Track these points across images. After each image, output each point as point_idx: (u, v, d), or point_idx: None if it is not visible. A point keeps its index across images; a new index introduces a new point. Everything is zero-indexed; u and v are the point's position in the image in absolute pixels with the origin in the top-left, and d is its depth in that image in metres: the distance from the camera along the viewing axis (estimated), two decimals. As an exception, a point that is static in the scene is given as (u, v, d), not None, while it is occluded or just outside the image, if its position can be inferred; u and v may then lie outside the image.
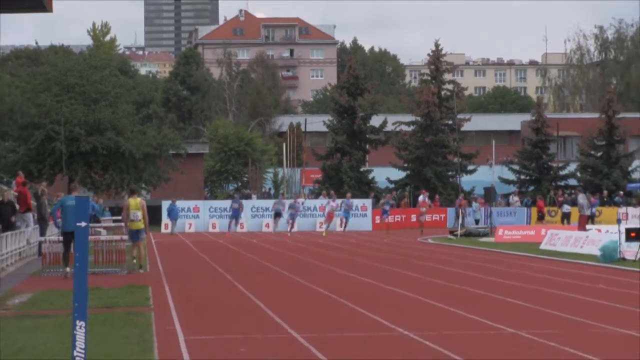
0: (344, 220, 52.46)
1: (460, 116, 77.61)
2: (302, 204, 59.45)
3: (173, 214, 55.90)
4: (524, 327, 17.59)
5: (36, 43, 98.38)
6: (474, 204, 61.97)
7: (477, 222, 56.20)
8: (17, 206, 35.46)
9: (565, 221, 49.88)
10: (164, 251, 41.74)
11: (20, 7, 33.12)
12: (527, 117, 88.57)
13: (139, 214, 30.85)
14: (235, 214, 53.16)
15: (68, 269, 27.56)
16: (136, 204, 31.39)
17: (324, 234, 50.55)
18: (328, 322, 18.56)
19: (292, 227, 52.21)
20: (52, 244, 29.98)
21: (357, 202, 62.26)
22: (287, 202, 55.65)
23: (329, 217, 52.55)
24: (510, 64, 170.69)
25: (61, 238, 29.36)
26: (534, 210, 63.81)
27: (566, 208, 56.00)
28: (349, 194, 57.92)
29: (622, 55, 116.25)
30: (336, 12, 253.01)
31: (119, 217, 42.10)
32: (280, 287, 25.61)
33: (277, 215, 54.44)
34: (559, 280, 27.03)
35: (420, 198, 62.64)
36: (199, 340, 16.38)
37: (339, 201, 56.44)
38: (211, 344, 16.07)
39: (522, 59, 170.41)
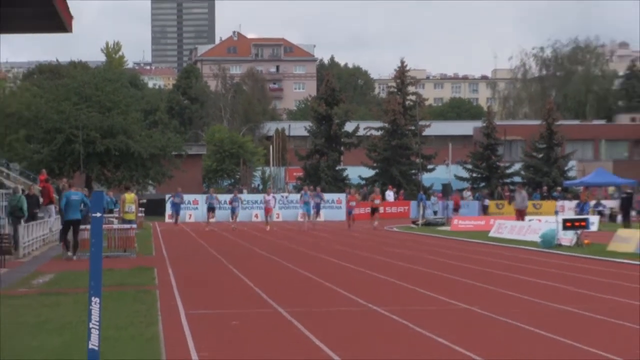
0: (314, 211, 52.70)
1: (421, 123, 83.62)
2: (286, 197, 63.44)
3: (177, 207, 57.44)
4: (476, 303, 18.05)
5: (57, 60, 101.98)
6: (433, 198, 66.20)
7: (435, 213, 60.02)
8: (41, 199, 37.55)
9: (520, 216, 52.07)
10: (168, 238, 43.35)
11: (45, 28, 34.53)
12: (479, 124, 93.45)
13: (133, 207, 33.45)
14: (211, 207, 53.93)
15: (72, 254, 29.15)
16: (131, 199, 33.98)
17: (267, 228, 50.39)
18: (309, 298, 19.25)
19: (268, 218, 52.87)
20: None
21: (332, 196, 66.23)
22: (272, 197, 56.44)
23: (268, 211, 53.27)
24: (465, 78, 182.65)
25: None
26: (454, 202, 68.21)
27: (518, 202, 57.71)
28: (318, 188, 59.72)
29: (559, 71, 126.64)
30: (316, 33, 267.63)
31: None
32: (267, 269, 26.53)
33: (211, 209, 54.47)
34: (504, 263, 28.27)
35: (389, 194, 68.23)
36: (197, 314, 16.68)
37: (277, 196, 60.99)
38: (208, 317, 16.44)
39: (474, 74, 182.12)
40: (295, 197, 61.95)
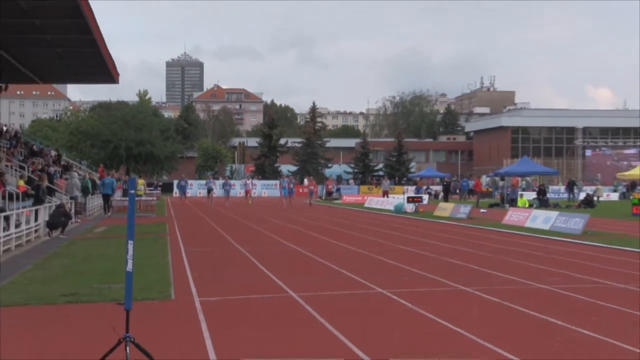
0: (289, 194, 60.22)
1: (325, 139, 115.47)
2: (253, 185, 75.96)
3: (182, 188, 66.50)
4: (351, 244, 23.31)
5: (109, 99, 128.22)
6: (332, 184, 76.85)
7: (332, 192, 68.65)
8: (98, 182, 47.01)
9: (385, 195, 63.53)
10: (175, 207, 52.64)
11: (102, 81, 44.66)
12: (358, 140, 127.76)
13: (142, 187, 44.53)
14: (210, 188, 61.00)
15: (109, 214, 40.66)
16: (141, 183, 45.35)
17: (249, 202, 59.57)
18: (256, 240, 22.29)
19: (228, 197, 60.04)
20: (117, 201, 43.11)
21: (272, 182, 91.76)
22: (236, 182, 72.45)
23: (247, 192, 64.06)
24: (350, 113, 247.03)
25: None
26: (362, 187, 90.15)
27: (385, 186, 69.59)
28: (290, 176, 75.93)
29: (404, 110, 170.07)
30: (264, 85, 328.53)
31: (151, 188, 63.98)
32: (235, 226, 32.80)
33: (209, 191, 60.79)
34: (372, 221, 36.03)
35: (305, 182, 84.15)
36: (192, 250, 21.34)
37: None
38: (198, 252, 20.78)
39: (355, 110, 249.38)
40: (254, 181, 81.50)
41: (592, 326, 10.47)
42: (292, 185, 58.24)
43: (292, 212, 46.23)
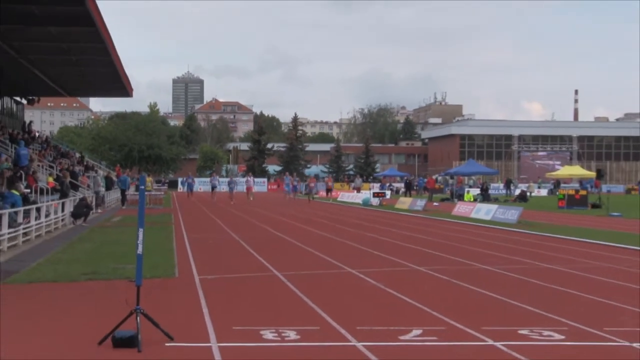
0: (292, 189, 56.88)
1: (305, 144, 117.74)
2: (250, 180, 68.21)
3: (190, 185, 60.02)
4: (316, 246, 23.19)
5: (125, 110, 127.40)
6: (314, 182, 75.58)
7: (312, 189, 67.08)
8: (115, 179, 46.94)
9: (357, 190, 62.63)
10: (180, 201, 51.70)
11: (118, 95, 44.51)
12: (333, 145, 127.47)
13: (149, 184, 43.66)
14: (214, 185, 55.26)
15: (124, 206, 40.25)
16: (150, 180, 45.25)
17: (251, 198, 53.83)
18: (248, 229, 22.08)
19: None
20: (130, 195, 42.75)
21: (260, 179, 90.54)
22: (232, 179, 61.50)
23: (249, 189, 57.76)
24: (327, 122, 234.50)
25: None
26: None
27: (357, 183, 68.43)
28: (295, 174, 76.65)
29: (371, 120, 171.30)
30: (254, 98, 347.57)
31: (159, 184, 63.97)
32: (231, 218, 31.88)
33: (213, 188, 55.40)
34: (342, 212, 35.57)
35: (286, 178, 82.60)
36: (193, 237, 21.08)
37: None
38: (199, 239, 20.63)
39: (330, 120, 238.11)
40: (243, 179, 75.66)
41: (523, 299, 10.52)
42: (295, 183, 56.34)
43: (285, 206, 44.14)
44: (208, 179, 63.28)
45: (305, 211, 38.28)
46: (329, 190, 59.65)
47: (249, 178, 59.46)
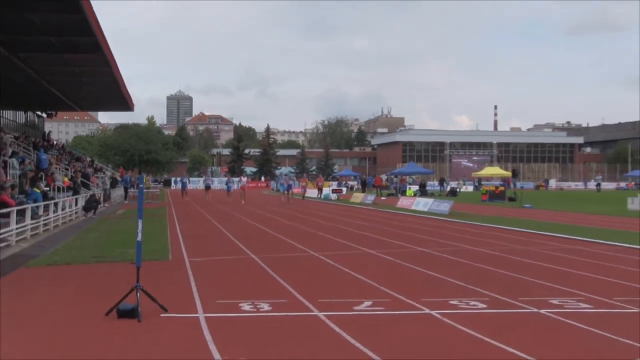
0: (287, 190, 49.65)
1: (276, 150, 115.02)
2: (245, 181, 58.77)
3: (184, 184, 51.93)
4: (286, 234, 22.73)
5: (128, 122, 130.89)
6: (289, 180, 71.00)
7: (291, 187, 64.47)
8: (119, 179, 47.53)
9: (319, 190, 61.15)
10: (173, 197, 49.23)
11: (120, 109, 42.78)
12: (299, 150, 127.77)
13: (147, 182, 44.19)
14: (207, 185, 47.34)
15: (127, 201, 40.07)
16: (147, 179, 45.55)
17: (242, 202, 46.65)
18: (239, 224, 21.77)
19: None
20: (132, 192, 42.21)
21: (236, 179, 78.56)
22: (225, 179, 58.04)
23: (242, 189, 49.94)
24: (293, 131, 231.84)
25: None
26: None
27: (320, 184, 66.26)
28: (290, 175, 69.48)
29: (331, 129, 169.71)
30: (234, 112, 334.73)
31: (155, 182, 60.92)
32: (221, 214, 29.20)
33: (207, 187, 48.06)
34: (306, 206, 33.80)
35: (281, 177, 73.04)
36: (185, 227, 20.34)
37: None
38: (190, 228, 20.30)
39: (296, 130, 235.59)
40: (224, 179, 66.50)
41: (453, 275, 10.55)
42: (290, 183, 46.80)
43: (270, 204, 40.59)
44: (198, 179, 62.18)
45: (281, 207, 37.13)
46: (319, 189, 52.54)
47: (242, 178, 51.80)
